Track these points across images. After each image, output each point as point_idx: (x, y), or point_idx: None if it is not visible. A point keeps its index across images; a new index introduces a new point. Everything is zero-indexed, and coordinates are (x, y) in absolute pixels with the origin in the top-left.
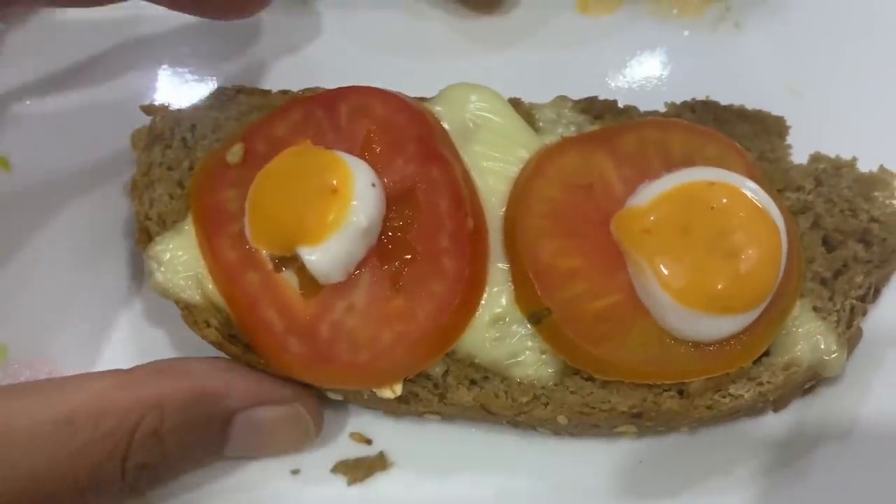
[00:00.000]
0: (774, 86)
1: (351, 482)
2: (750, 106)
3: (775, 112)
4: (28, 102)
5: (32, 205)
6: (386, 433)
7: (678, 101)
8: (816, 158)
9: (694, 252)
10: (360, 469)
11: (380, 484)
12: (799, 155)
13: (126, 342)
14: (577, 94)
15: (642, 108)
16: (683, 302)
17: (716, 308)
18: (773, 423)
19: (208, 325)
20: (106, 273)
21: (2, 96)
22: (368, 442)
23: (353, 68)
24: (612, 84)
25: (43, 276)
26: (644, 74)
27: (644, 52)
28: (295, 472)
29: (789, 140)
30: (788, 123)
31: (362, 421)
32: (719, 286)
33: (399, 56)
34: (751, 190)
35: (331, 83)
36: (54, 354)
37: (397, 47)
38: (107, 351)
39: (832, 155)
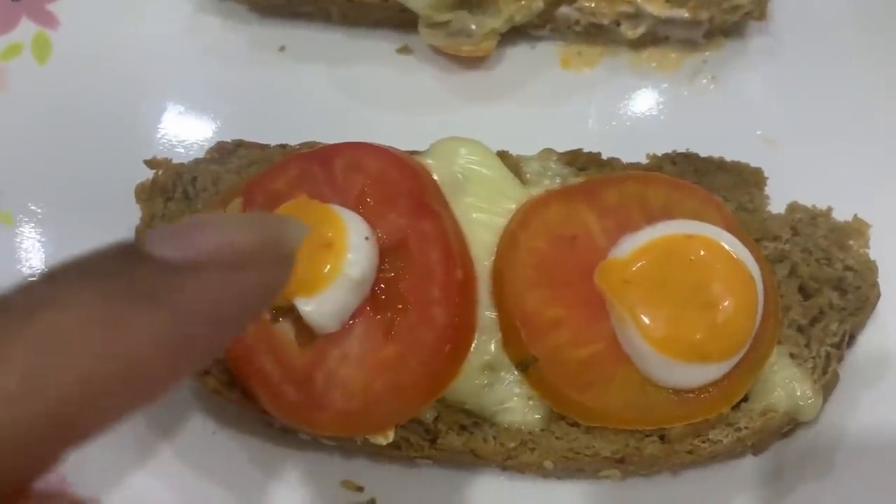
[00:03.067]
0: (751, 137)
1: None
2: (728, 157)
3: (752, 163)
4: (32, 157)
5: (36, 256)
6: (377, 479)
7: (659, 153)
8: (793, 208)
9: (673, 303)
10: None
11: None
12: (776, 205)
13: None
14: (562, 145)
15: (625, 159)
16: (663, 351)
17: (694, 357)
18: (753, 466)
19: (206, 373)
20: None
21: (6, 152)
22: (360, 489)
23: (347, 122)
24: (595, 136)
25: None
26: (626, 126)
27: (625, 104)
28: None
29: (767, 190)
30: (766, 175)
31: (354, 468)
32: (697, 336)
33: (390, 110)
34: (728, 242)
35: (326, 135)
36: None
37: (388, 102)
38: None
39: (808, 205)
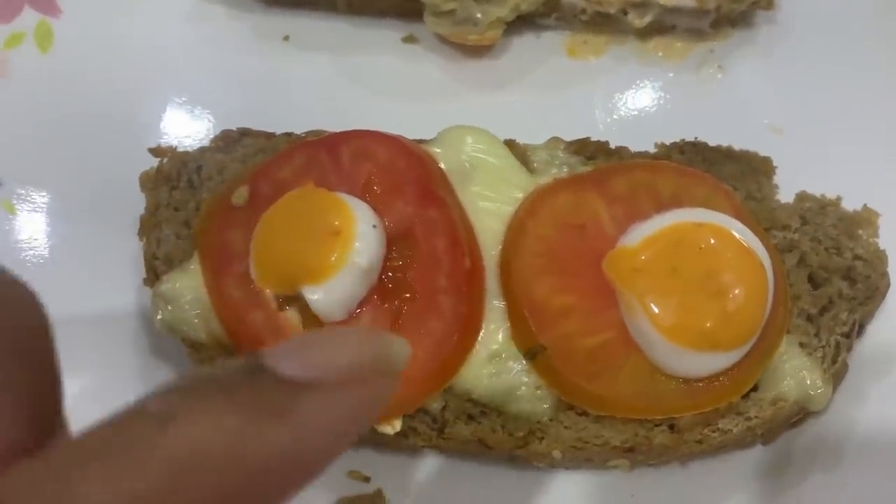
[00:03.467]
0: (759, 126)
1: None
2: (735, 146)
3: (760, 152)
4: (35, 146)
5: (40, 245)
6: (383, 470)
7: (667, 142)
8: (802, 198)
9: (683, 291)
10: None
11: None
12: (785, 194)
13: (134, 379)
14: (569, 134)
15: (633, 148)
16: (673, 340)
17: (704, 346)
18: (762, 456)
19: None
20: (113, 310)
21: (9, 141)
22: (366, 480)
23: (353, 111)
24: (602, 125)
25: (52, 314)
26: (633, 115)
27: (632, 93)
28: None
29: (775, 180)
30: (774, 164)
31: (360, 459)
32: (707, 324)
33: (396, 99)
34: (738, 230)
35: (332, 125)
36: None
37: (394, 90)
38: (114, 388)
39: (817, 194)
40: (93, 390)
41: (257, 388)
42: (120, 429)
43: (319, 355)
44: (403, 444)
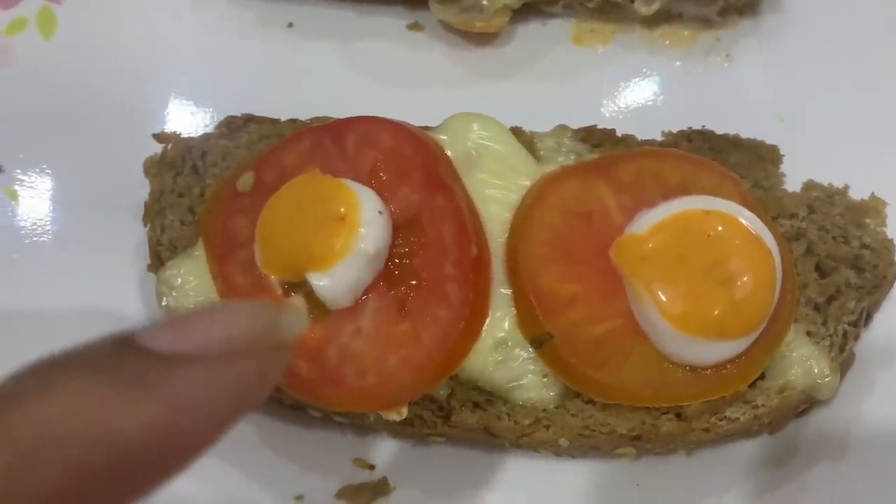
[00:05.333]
0: (765, 115)
1: None
2: (743, 134)
3: (767, 140)
4: (38, 132)
5: (42, 231)
6: (388, 458)
7: (674, 130)
8: (809, 186)
9: (691, 279)
10: (362, 494)
11: None
12: (792, 183)
13: None
14: (575, 122)
15: (639, 136)
16: (681, 328)
17: (712, 333)
18: (768, 445)
19: None
20: (117, 297)
21: (12, 128)
22: (371, 467)
23: (358, 98)
24: (609, 113)
25: (54, 302)
26: (639, 103)
27: (638, 81)
28: (298, 497)
29: (782, 168)
30: (781, 152)
31: (365, 446)
32: (715, 312)
33: (401, 86)
34: (746, 218)
35: (337, 112)
36: None
37: (400, 77)
38: None
39: (824, 183)
40: None
41: (123, 362)
42: None
43: (195, 329)
44: (409, 432)
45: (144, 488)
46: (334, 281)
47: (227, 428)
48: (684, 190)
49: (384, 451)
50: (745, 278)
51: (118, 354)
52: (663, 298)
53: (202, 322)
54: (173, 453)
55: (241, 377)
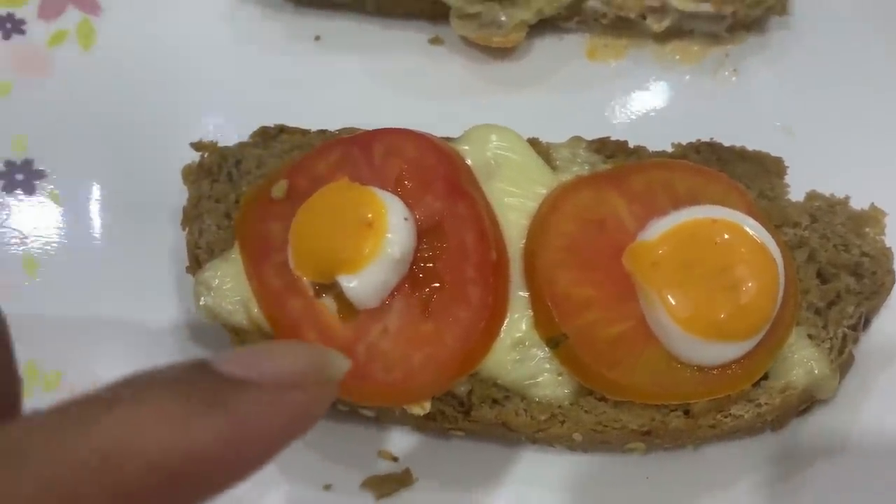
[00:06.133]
0: (771, 128)
1: (378, 497)
2: (749, 147)
3: (772, 152)
4: (79, 141)
5: (84, 234)
6: (411, 450)
7: (684, 142)
8: (812, 196)
9: (699, 284)
10: (387, 484)
11: (405, 498)
12: (796, 193)
13: (172, 359)
14: (589, 133)
15: (651, 147)
16: (689, 330)
17: (718, 336)
18: (772, 441)
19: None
20: (157, 297)
21: (54, 136)
22: (395, 459)
23: (382, 110)
24: (621, 125)
25: (95, 302)
26: (650, 116)
27: (650, 95)
28: (327, 486)
29: (786, 179)
30: (786, 164)
31: (390, 439)
32: (721, 316)
33: (423, 98)
34: (751, 227)
35: (362, 122)
36: (105, 375)
37: (421, 89)
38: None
39: (826, 193)
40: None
41: (201, 382)
42: (66, 408)
43: (261, 360)
44: (431, 426)
45: (208, 494)
46: (363, 283)
47: (280, 448)
48: (693, 200)
49: (407, 444)
50: (749, 284)
51: (197, 375)
52: (673, 302)
53: (267, 355)
54: (236, 465)
55: (295, 405)
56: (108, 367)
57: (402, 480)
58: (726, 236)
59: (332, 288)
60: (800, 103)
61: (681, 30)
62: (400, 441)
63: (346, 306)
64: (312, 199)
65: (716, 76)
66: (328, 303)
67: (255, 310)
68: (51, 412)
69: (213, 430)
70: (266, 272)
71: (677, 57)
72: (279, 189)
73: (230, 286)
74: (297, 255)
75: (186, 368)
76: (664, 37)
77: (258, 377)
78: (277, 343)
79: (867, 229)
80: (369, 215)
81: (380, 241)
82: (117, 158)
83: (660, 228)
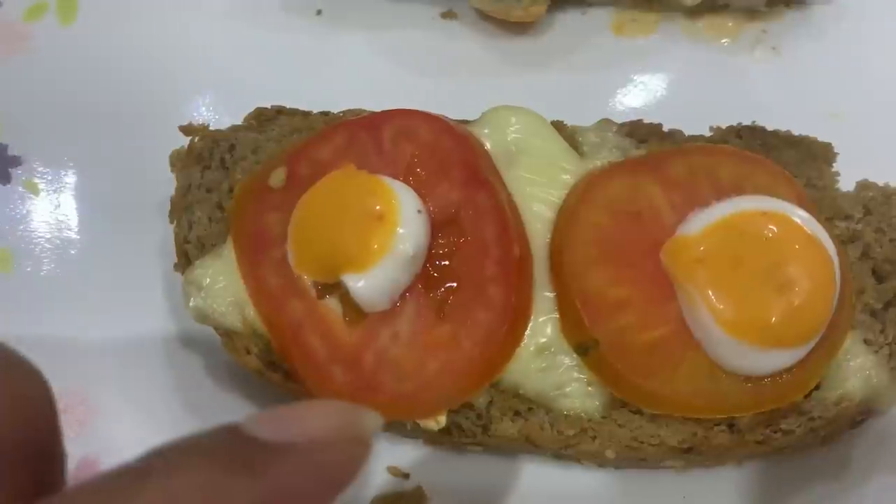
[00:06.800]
0: (816, 111)
1: None
2: (792, 131)
3: (818, 138)
4: (59, 124)
5: (64, 227)
6: (423, 466)
7: (723, 125)
8: (864, 186)
9: (746, 284)
10: None
11: None
12: (845, 183)
13: (162, 368)
14: (617, 115)
15: (686, 131)
16: (736, 334)
17: (768, 341)
18: (822, 457)
19: (248, 353)
20: (142, 297)
21: (31, 119)
22: (406, 476)
23: (388, 90)
24: (651, 106)
25: (77, 300)
26: (683, 97)
27: (682, 74)
28: None
29: (835, 167)
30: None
31: (400, 454)
32: (773, 319)
33: (433, 77)
34: (804, 220)
35: (367, 104)
36: (88, 381)
37: (433, 68)
38: (142, 377)
39: (880, 183)
40: (121, 380)
41: (232, 446)
42: (104, 483)
43: (292, 422)
44: (446, 441)
45: None
46: (371, 283)
47: None
48: (738, 189)
49: (419, 458)
50: (803, 283)
51: (230, 442)
52: (717, 303)
53: (298, 416)
54: None
55: (330, 466)
56: (90, 374)
57: (412, 500)
58: (776, 230)
59: (336, 288)
60: (846, 84)
61: (714, 3)
62: (411, 455)
63: (353, 309)
64: (315, 188)
65: (753, 54)
66: (332, 305)
67: (251, 312)
68: (90, 486)
69: (249, 496)
70: (263, 270)
71: (711, 33)
72: (277, 177)
73: (223, 286)
74: (297, 252)
75: (217, 434)
76: (696, 11)
77: (290, 439)
78: (308, 403)
79: None
80: (378, 207)
81: (390, 235)
82: (100, 144)
83: (702, 221)
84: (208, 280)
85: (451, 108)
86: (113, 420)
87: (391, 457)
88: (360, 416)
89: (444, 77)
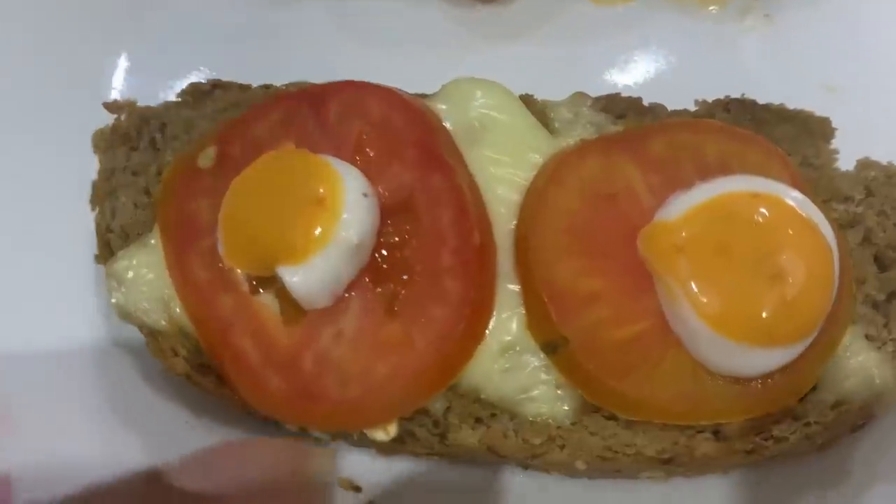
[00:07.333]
0: (812, 83)
1: None
2: (786, 105)
3: (815, 112)
4: None
5: None
6: (378, 478)
7: (709, 99)
8: (865, 165)
9: (734, 274)
10: None
11: None
12: (845, 161)
13: (87, 370)
14: (594, 89)
15: (669, 106)
16: (721, 331)
17: (759, 339)
18: (816, 464)
19: (175, 354)
20: (65, 291)
21: None
22: (357, 489)
23: (345, 61)
24: (632, 80)
25: None
26: (667, 69)
27: (666, 44)
28: None
29: (833, 144)
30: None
31: (351, 463)
32: (763, 314)
33: (395, 48)
34: (798, 202)
35: (319, 78)
36: (7, 386)
37: (393, 39)
38: (66, 380)
39: (882, 161)
40: (42, 382)
41: (151, 500)
42: None
43: (220, 469)
44: (400, 451)
45: None
46: (311, 276)
47: None
48: (725, 168)
49: (371, 469)
50: (798, 274)
51: (148, 493)
52: (700, 296)
53: (227, 461)
54: None
55: None
56: (6, 368)
57: None
58: (768, 214)
59: (272, 283)
60: (844, 55)
61: None
62: (362, 466)
63: (291, 305)
64: (248, 170)
65: (744, 23)
66: (268, 301)
67: (178, 309)
68: None
69: None
70: (190, 262)
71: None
72: (206, 157)
73: (148, 279)
74: (228, 241)
75: (136, 484)
76: None
77: (217, 489)
78: (245, 443)
79: None
80: (320, 190)
81: (332, 222)
82: (13, 119)
83: (684, 204)
84: (131, 273)
85: (412, 82)
86: (34, 433)
87: (342, 467)
88: (310, 457)
89: (405, 48)
